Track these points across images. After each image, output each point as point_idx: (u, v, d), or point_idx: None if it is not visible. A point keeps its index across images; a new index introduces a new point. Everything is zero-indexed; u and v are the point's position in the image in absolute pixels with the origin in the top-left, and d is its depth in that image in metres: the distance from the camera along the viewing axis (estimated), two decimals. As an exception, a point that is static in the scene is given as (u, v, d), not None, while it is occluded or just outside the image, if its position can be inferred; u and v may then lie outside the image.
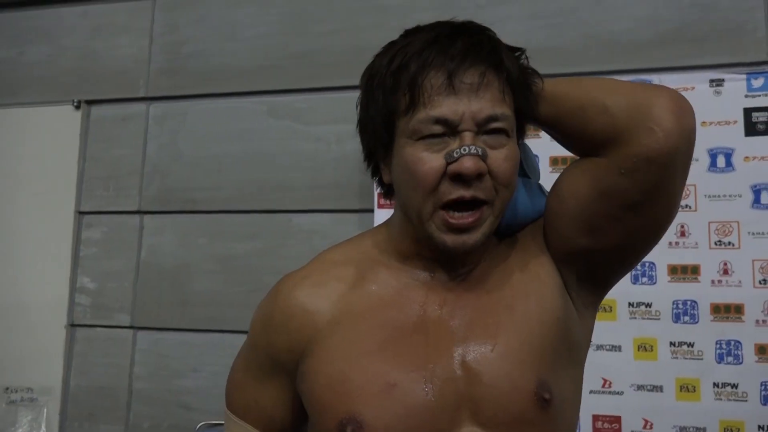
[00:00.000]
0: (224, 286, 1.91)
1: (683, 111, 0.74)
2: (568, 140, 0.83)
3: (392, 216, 0.88)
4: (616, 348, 1.59)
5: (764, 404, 1.51)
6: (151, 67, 2.05)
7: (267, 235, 1.91)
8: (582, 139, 0.79)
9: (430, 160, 0.74)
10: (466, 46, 0.75)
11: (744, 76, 1.61)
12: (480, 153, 0.73)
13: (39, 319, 1.99)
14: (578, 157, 0.83)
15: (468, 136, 0.73)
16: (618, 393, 1.58)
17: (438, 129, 0.74)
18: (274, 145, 1.93)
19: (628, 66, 1.70)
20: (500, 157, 0.75)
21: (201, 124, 2.00)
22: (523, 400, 0.75)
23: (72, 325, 2.00)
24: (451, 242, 0.77)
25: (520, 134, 0.82)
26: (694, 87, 1.63)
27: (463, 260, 0.82)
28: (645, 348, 1.58)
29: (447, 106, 0.73)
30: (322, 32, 1.93)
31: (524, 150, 0.89)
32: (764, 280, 1.54)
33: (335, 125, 1.89)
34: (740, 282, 1.55)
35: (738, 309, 1.55)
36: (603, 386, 1.58)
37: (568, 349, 0.82)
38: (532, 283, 0.82)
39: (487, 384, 0.75)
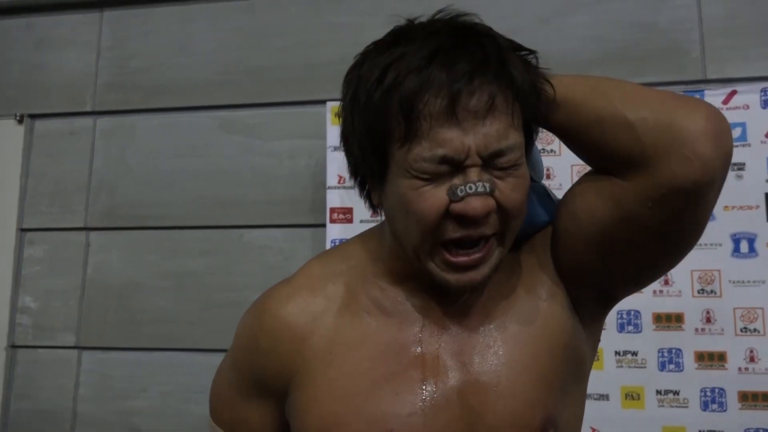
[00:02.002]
0: (175, 303, 1.88)
1: (722, 133, 0.64)
2: (583, 153, 0.73)
3: (380, 235, 0.79)
4: (564, 358, 1.63)
5: (704, 410, 1.56)
6: (98, 81, 2.01)
7: (219, 251, 1.89)
8: (600, 156, 0.70)
9: (431, 196, 0.65)
10: (472, 62, 0.64)
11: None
12: (488, 190, 0.65)
13: (-22, 341, 1.92)
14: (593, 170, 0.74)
15: (474, 173, 0.64)
16: (567, 402, 1.61)
17: (443, 169, 0.65)
18: (226, 160, 1.92)
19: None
20: (509, 188, 0.66)
21: (150, 139, 1.97)
22: None
23: (12, 347, 1.93)
24: (455, 281, 0.69)
25: (529, 142, 0.72)
26: (635, 105, 1.69)
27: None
28: (592, 358, 1.63)
29: (451, 142, 0.63)
30: (275, 48, 1.94)
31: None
32: (702, 289, 1.60)
33: (289, 141, 1.89)
34: (680, 292, 1.61)
35: (678, 318, 1.61)
36: (552, 396, 1.61)
37: (575, 369, 0.77)
38: (539, 305, 0.75)
39: (490, 424, 0.70)
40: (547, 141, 1.68)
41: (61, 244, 1.96)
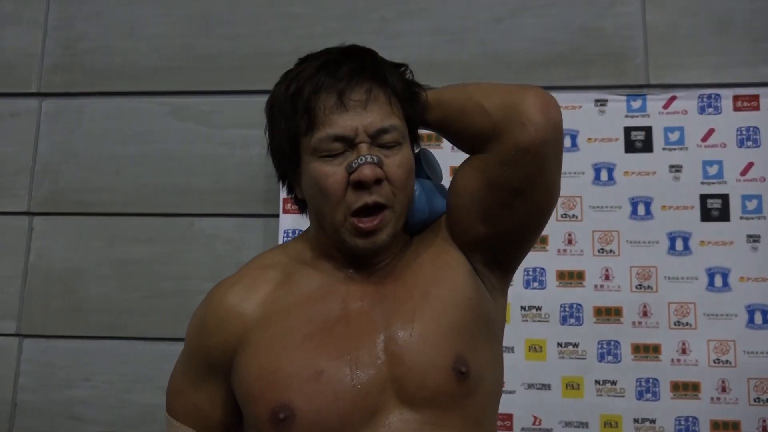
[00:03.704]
0: (120, 291, 1.84)
1: (549, 106, 0.84)
2: (456, 140, 0.93)
3: (309, 227, 0.96)
4: (509, 349, 1.68)
5: (639, 399, 1.64)
6: (44, 62, 1.95)
7: (167, 239, 1.86)
8: (467, 138, 0.90)
9: (333, 173, 0.83)
10: (351, 68, 0.84)
11: (624, 98, 1.76)
12: (376, 161, 0.82)
13: None
14: (468, 156, 0.92)
15: (364, 148, 0.82)
16: (510, 392, 1.67)
17: (338, 146, 0.83)
18: (176, 147, 1.89)
19: (522, 83, 1.80)
20: (394, 164, 0.84)
21: (98, 124, 1.92)
22: (441, 376, 0.82)
23: (-52, 334, 1.86)
24: (362, 245, 0.85)
25: (414, 140, 0.92)
26: (581, 106, 1.76)
27: (376, 257, 0.90)
28: (535, 349, 1.68)
29: (342, 124, 0.82)
30: (227, 35, 1.92)
31: (424, 155, 0.98)
32: (640, 285, 1.68)
33: (241, 129, 1.87)
34: (619, 287, 1.68)
35: (617, 312, 1.68)
36: (497, 386, 1.66)
37: (484, 325, 0.90)
38: (443, 271, 0.90)
39: (408, 365, 0.82)
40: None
41: (2, 229, 1.90)
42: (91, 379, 1.82)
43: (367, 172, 0.81)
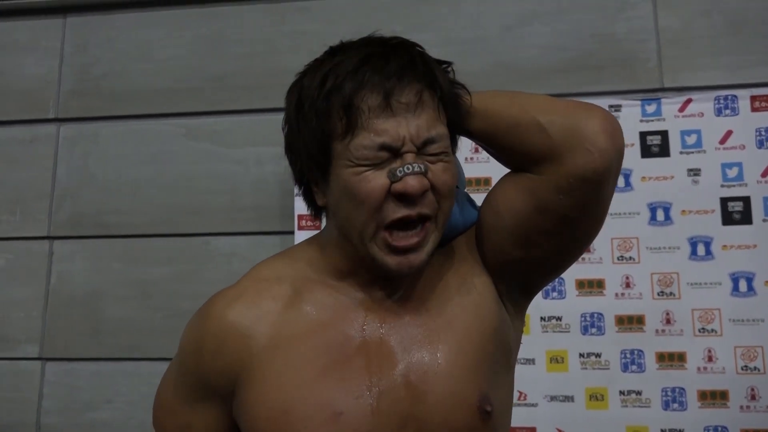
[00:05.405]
0: (140, 312, 1.86)
1: (615, 131, 0.76)
2: (501, 155, 0.83)
3: (324, 234, 0.85)
4: (530, 361, 1.66)
5: (665, 409, 1.61)
6: (61, 88, 1.99)
7: (184, 259, 1.87)
8: (517, 155, 0.80)
9: (373, 178, 0.73)
10: (400, 64, 0.74)
11: (639, 103, 1.74)
12: (423, 170, 0.73)
13: (-65, 354, 1.87)
14: (510, 170, 0.84)
15: (410, 157, 0.73)
16: (532, 405, 1.64)
17: (383, 155, 0.73)
18: (191, 167, 1.91)
19: (534, 91, 1.79)
20: (440, 170, 0.75)
21: (114, 147, 1.95)
22: (466, 416, 0.76)
23: (-27, 359, 1.88)
24: (395, 264, 0.76)
25: (453, 145, 0.82)
26: (595, 112, 1.74)
27: (403, 279, 0.81)
28: (557, 360, 1.66)
29: (387, 131, 0.72)
30: (238, 55, 1.93)
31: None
32: (662, 292, 1.65)
33: (255, 147, 1.88)
34: (641, 294, 1.65)
35: (640, 320, 1.65)
36: (518, 399, 1.64)
37: (504, 356, 0.84)
38: (470, 295, 0.83)
39: (432, 402, 0.76)
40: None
41: (23, 254, 1.93)
42: (114, 400, 1.83)
43: (414, 183, 0.72)
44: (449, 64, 0.82)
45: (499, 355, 0.83)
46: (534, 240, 0.81)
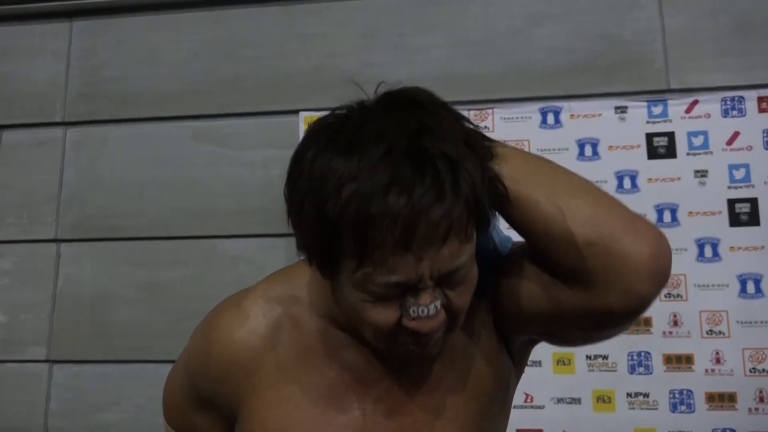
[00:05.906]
0: (147, 314, 1.86)
1: (662, 271, 0.67)
2: (531, 249, 0.74)
3: (321, 288, 0.78)
4: (537, 363, 1.65)
5: (673, 411, 1.60)
6: (68, 91, 1.99)
7: (192, 261, 1.88)
8: (545, 259, 0.72)
9: (383, 310, 0.66)
10: (425, 189, 0.60)
11: (645, 104, 1.73)
12: (439, 309, 0.66)
13: (-56, 356, 1.88)
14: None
15: (426, 295, 0.64)
16: (539, 407, 1.64)
17: (395, 292, 0.64)
18: (198, 170, 1.91)
19: (542, 93, 1.79)
20: (457, 296, 0.67)
21: (121, 150, 1.95)
22: None
23: (-19, 362, 1.89)
24: (412, 362, 0.75)
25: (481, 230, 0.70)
26: (601, 113, 1.74)
27: None
28: (563, 362, 1.66)
29: (405, 270, 0.62)
30: (246, 57, 1.94)
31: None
32: (669, 293, 1.64)
33: (262, 151, 1.89)
34: (648, 296, 1.65)
35: (647, 321, 1.64)
36: (525, 401, 1.64)
37: (502, 402, 0.83)
38: (477, 346, 0.79)
39: None
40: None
41: (31, 257, 1.93)
42: (121, 403, 1.83)
43: (429, 326, 0.66)
44: (478, 127, 0.69)
45: (497, 404, 0.81)
46: (550, 330, 0.77)
